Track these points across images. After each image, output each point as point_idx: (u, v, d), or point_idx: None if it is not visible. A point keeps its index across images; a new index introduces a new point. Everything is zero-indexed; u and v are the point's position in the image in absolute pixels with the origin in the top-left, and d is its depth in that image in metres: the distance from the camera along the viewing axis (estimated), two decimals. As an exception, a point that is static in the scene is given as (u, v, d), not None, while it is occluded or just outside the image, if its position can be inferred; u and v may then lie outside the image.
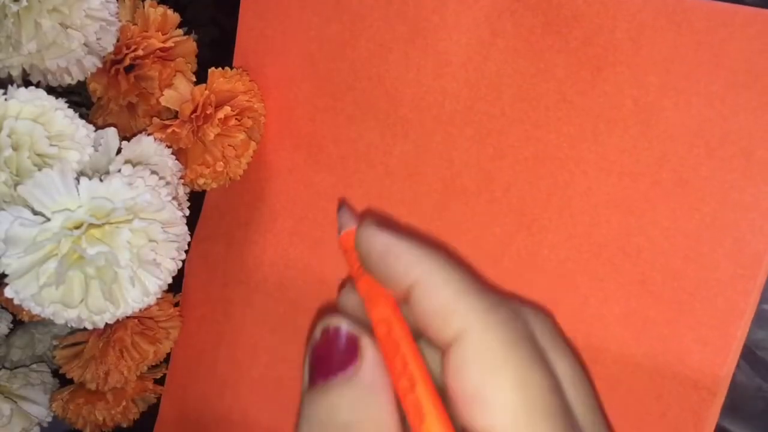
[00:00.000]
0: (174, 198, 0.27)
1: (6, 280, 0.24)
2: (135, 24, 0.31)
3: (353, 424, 0.16)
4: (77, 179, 0.24)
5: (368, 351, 0.17)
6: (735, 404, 0.24)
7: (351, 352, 0.17)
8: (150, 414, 0.39)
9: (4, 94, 0.25)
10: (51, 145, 0.25)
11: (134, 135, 0.29)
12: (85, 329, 0.36)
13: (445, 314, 0.16)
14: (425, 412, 0.16)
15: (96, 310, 0.25)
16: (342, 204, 0.28)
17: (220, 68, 0.32)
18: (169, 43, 0.31)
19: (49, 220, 0.24)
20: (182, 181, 0.32)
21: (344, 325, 0.18)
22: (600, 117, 0.26)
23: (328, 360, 0.17)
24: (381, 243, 0.18)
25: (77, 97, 0.33)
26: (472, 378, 0.15)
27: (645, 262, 0.25)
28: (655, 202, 0.25)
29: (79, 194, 0.24)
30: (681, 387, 0.25)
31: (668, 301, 0.25)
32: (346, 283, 0.20)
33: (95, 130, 0.27)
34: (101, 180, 0.25)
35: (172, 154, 0.30)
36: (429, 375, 0.17)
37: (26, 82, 0.28)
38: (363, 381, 0.17)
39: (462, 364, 0.15)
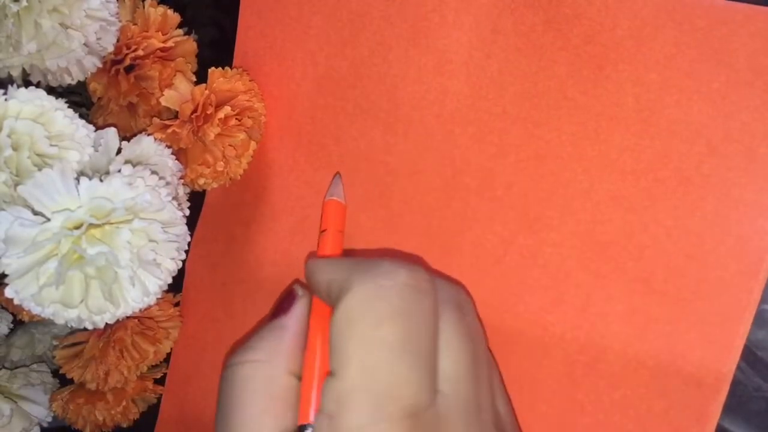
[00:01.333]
0: (174, 198, 0.27)
1: (6, 280, 0.24)
2: (135, 24, 0.31)
3: (252, 348, 0.22)
4: (77, 179, 0.24)
5: (297, 309, 0.23)
6: (735, 404, 0.24)
7: (287, 306, 0.23)
8: (150, 414, 0.39)
9: (4, 94, 0.25)
10: (51, 145, 0.25)
11: (134, 135, 0.29)
12: (85, 329, 0.36)
13: (340, 286, 0.20)
14: (303, 371, 0.21)
15: (96, 310, 0.25)
16: (337, 174, 0.31)
17: (220, 68, 0.32)
18: (170, 43, 0.31)
19: (49, 220, 0.24)
20: (182, 181, 0.32)
21: (296, 288, 0.24)
22: (602, 115, 0.26)
23: (276, 306, 0.24)
24: (308, 268, 0.23)
25: (77, 97, 0.33)
26: (336, 329, 0.19)
27: (648, 260, 0.25)
28: (657, 200, 0.25)
29: (79, 194, 0.24)
30: (684, 384, 0.25)
31: (671, 299, 0.25)
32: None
33: (95, 130, 0.27)
34: (101, 180, 0.25)
35: (172, 154, 0.30)
36: (323, 346, 0.21)
37: (26, 82, 0.28)
38: (281, 324, 0.23)
39: (335, 318, 0.19)
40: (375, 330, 0.18)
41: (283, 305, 0.24)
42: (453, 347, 0.20)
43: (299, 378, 0.21)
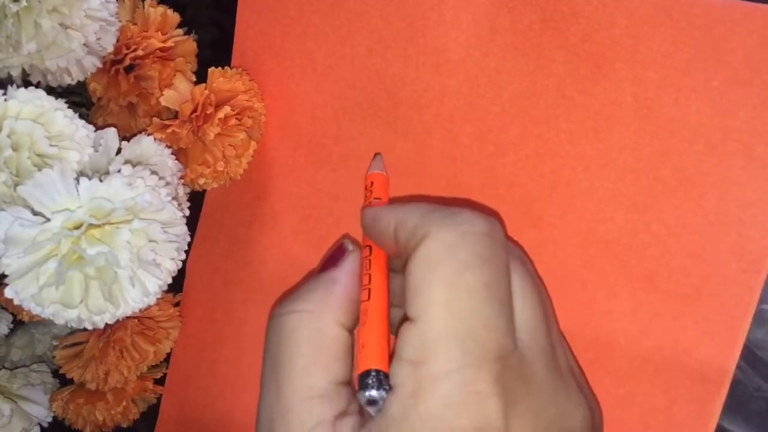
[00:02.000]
0: (174, 198, 0.27)
1: (6, 281, 0.24)
2: (135, 24, 0.31)
3: (301, 298, 0.21)
4: (77, 179, 0.24)
5: (347, 263, 0.23)
6: (735, 404, 0.24)
7: (336, 260, 0.23)
8: (150, 414, 0.39)
9: (4, 94, 0.25)
10: (51, 145, 0.25)
11: (134, 135, 0.29)
12: (85, 329, 0.36)
13: (414, 230, 0.20)
14: (366, 318, 0.21)
15: (96, 311, 0.25)
16: (378, 154, 0.31)
17: (219, 68, 0.32)
18: (169, 43, 0.31)
19: (48, 220, 0.24)
20: (182, 181, 0.32)
21: (346, 243, 0.24)
22: (600, 114, 0.26)
23: (324, 260, 0.24)
24: (369, 214, 0.23)
25: (77, 98, 0.33)
26: (416, 273, 0.19)
27: (651, 258, 0.25)
28: (658, 198, 0.25)
29: (78, 194, 0.24)
30: (688, 380, 0.25)
31: (675, 296, 0.25)
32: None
33: (95, 131, 0.27)
34: (101, 180, 0.25)
35: (172, 154, 0.30)
36: (386, 293, 0.22)
37: (26, 83, 0.28)
38: (331, 276, 0.22)
39: (414, 263, 0.19)
40: (459, 275, 0.18)
41: (332, 259, 0.23)
42: (528, 297, 0.20)
43: (348, 330, 0.21)
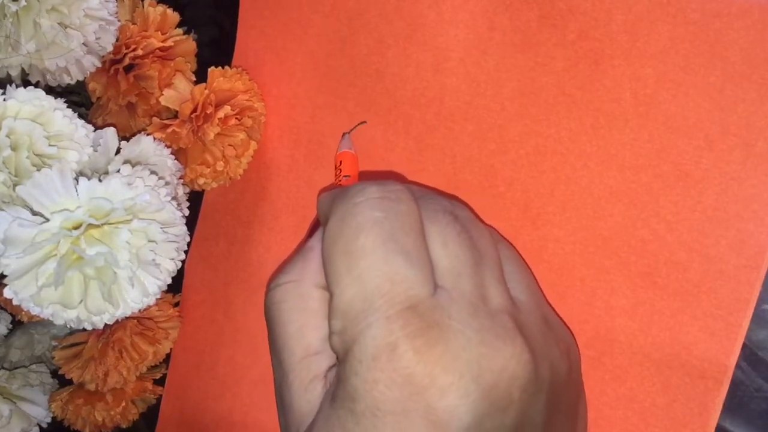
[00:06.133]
0: (173, 198, 0.27)
1: (5, 281, 0.24)
2: (134, 23, 0.31)
3: (283, 272, 0.23)
4: (76, 179, 0.24)
5: (320, 230, 0.23)
6: (736, 405, 0.24)
7: (314, 230, 0.24)
8: (150, 414, 0.39)
9: (3, 94, 0.25)
10: (50, 145, 0.25)
11: (134, 135, 0.29)
12: (84, 330, 0.36)
13: (325, 216, 0.21)
14: None
15: (95, 311, 0.25)
16: (345, 133, 0.32)
17: (219, 68, 0.32)
18: (169, 43, 0.31)
19: (48, 220, 0.24)
20: (182, 180, 0.32)
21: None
22: (599, 110, 0.26)
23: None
24: (318, 200, 0.24)
25: (76, 97, 0.33)
26: (323, 253, 0.20)
27: (650, 255, 0.25)
28: (657, 194, 0.25)
29: (78, 194, 0.24)
30: (687, 377, 0.25)
31: (674, 293, 0.25)
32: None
33: (94, 130, 0.27)
34: (100, 180, 0.25)
35: (172, 153, 0.30)
36: None
37: (25, 82, 0.28)
38: (308, 245, 0.23)
39: (322, 244, 0.21)
40: (355, 240, 0.19)
41: (311, 230, 0.24)
42: (449, 245, 0.21)
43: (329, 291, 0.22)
